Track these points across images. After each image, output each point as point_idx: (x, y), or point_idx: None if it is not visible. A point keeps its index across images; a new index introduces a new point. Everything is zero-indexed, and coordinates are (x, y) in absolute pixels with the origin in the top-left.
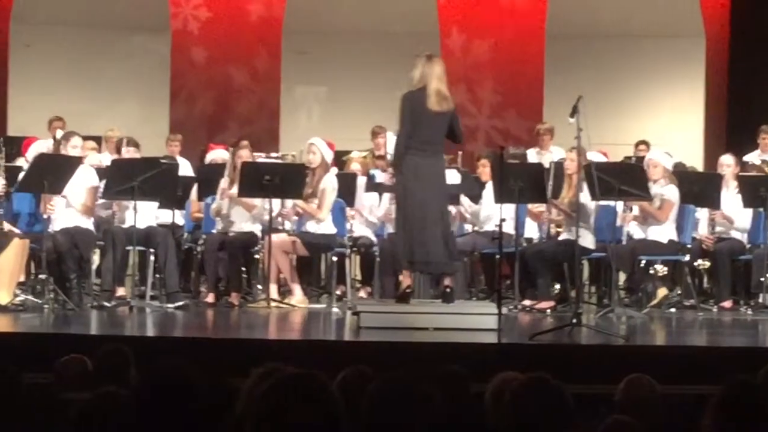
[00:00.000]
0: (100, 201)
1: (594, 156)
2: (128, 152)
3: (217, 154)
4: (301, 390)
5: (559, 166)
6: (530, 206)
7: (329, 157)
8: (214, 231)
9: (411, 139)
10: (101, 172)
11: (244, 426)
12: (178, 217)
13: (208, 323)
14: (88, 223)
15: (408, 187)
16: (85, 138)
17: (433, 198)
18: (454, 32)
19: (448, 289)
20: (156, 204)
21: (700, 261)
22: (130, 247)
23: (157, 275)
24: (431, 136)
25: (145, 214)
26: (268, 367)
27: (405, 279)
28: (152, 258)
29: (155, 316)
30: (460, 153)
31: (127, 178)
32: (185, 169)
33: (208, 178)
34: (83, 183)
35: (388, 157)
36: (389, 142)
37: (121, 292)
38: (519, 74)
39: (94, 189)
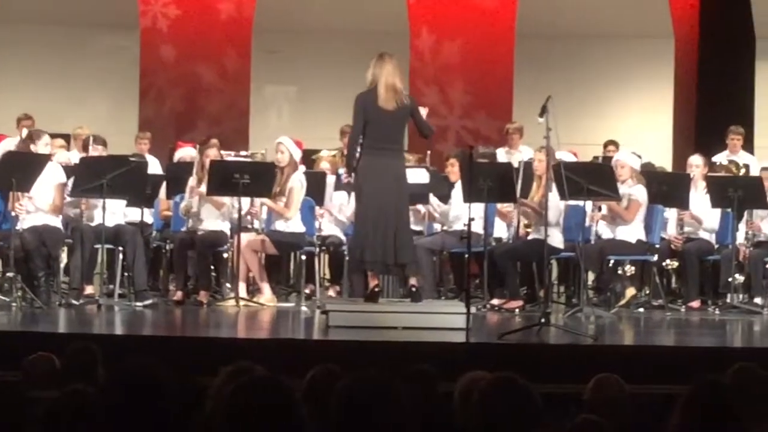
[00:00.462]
0: (69, 199)
1: (563, 156)
2: (95, 150)
3: (185, 152)
4: (266, 395)
5: (528, 165)
6: (499, 206)
7: (297, 155)
8: (182, 229)
9: (365, 139)
10: (69, 169)
11: (212, 426)
12: (147, 216)
13: (176, 322)
14: (57, 221)
15: (362, 188)
16: (54, 136)
17: (387, 198)
18: (424, 33)
19: (413, 289)
20: (124, 202)
21: (668, 261)
22: (98, 245)
23: (126, 273)
24: (386, 135)
25: (113, 212)
26: (236, 366)
27: (372, 278)
28: (121, 256)
29: (123, 314)
30: (428, 152)
31: (96, 176)
32: (154, 167)
33: (177, 177)
34: (51, 181)
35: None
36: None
37: (89, 290)
38: (489, 74)
39: (62, 187)
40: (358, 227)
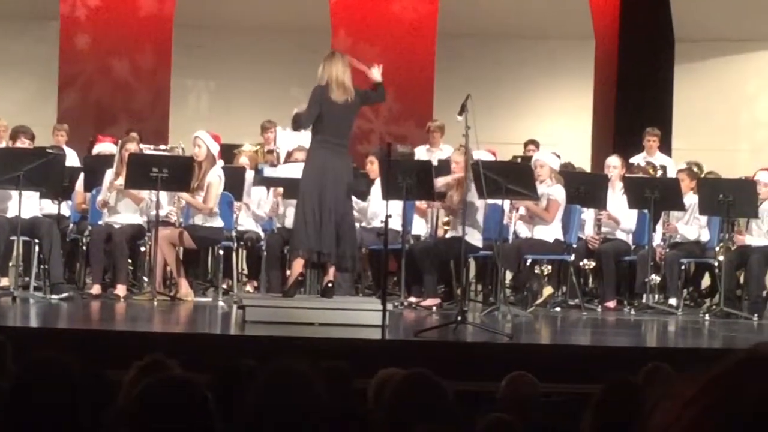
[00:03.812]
0: None
1: (482, 155)
2: (23, 143)
3: (104, 147)
4: (176, 394)
5: (446, 163)
6: (418, 203)
7: (215, 150)
8: (100, 223)
9: (319, 135)
10: None
11: (121, 422)
12: (64, 208)
13: (92, 315)
14: None
15: (305, 181)
16: None
17: (328, 194)
18: (342, 34)
19: (330, 284)
20: (37, 194)
21: (585, 261)
22: (13, 237)
23: (42, 266)
24: (335, 130)
25: (28, 204)
26: (149, 360)
27: (297, 266)
28: (37, 248)
29: (39, 307)
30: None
31: (12, 168)
32: (72, 159)
33: (95, 169)
34: None
35: (278, 151)
36: (279, 136)
37: (4, 282)
38: (409, 74)
39: None
40: (300, 217)
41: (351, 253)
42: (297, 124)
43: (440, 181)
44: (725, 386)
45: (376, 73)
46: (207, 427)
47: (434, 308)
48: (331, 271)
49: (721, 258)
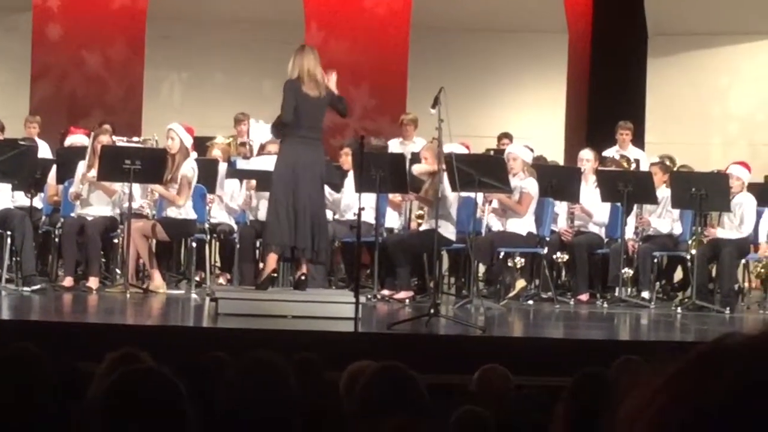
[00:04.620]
0: None
1: (455, 148)
2: None
3: (77, 139)
4: (149, 387)
5: (419, 156)
6: (391, 196)
7: (188, 142)
8: (72, 215)
9: (292, 128)
10: None
11: (91, 414)
12: (36, 200)
13: (64, 307)
14: None
15: (278, 174)
16: None
17: (301, 187)
18: (314, 28)
19: (303, 277)
20: (9, 186)
21: (558, 254)
22: None
23: (14, 258)
24: (308, 122)
25: (0, 196)
26: (122, 352)
27: (271, 261)
28: (9, 241)
29: (11, 299)
30: None
31: None
32: (44, 151)
33: (68, 161)
34: None
35: (251, 143)
36: (252, 129)
37: None
38: (383, 67)
39: None
40: (273, 211)
41: (324, 246)
42: (280, 127)
43: (416, 169)
44: (691, 377)
45: (332, 83)
46: (179, 419)
47: (407, 301)
48: (305, 264)
49: (693, 251)
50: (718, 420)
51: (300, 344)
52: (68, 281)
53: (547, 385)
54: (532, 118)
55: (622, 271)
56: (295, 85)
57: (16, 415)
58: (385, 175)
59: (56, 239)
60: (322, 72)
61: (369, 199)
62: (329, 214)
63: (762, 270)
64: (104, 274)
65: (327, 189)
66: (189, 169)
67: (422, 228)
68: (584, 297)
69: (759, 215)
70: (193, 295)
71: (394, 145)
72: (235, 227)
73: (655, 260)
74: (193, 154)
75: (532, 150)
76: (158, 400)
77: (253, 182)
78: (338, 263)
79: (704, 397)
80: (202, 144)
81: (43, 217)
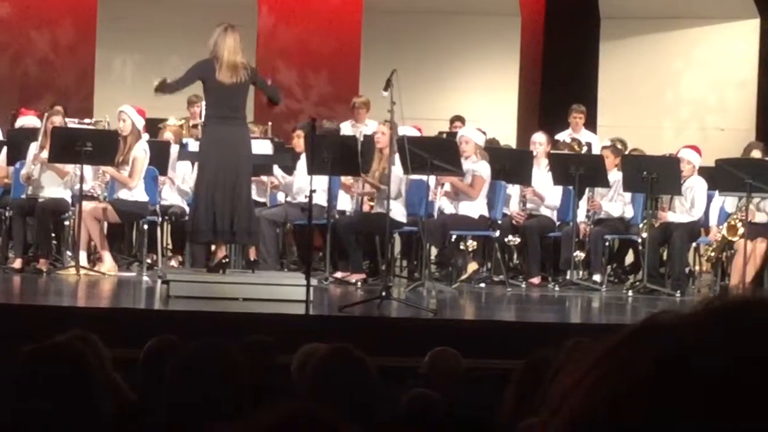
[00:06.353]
0: None
1: (407, 130)
2: None
3: (28, 120)
4: (57, 363)
5: (371, 139)
6: (343, 178)
7: (140, 124)
8: (23, 196)
9: (207, 109)
10: None
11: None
12: None
13: (14, 289)
14: None
15: (202, 157)
16: None
17: (226, 167)
18: (264, 11)
19: (225, 260)
20: None
21: (510, 237)
22: None
23: None
24: (226, 104)
25: None
26: (71, 334)
27: (219, 249)
28: None
29: None
30: (270, 124)
31: None
32: None
33: (18, 143)
34: None
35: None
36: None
37: None
38: (336, 50)
39: None
40: (195, 196)
41: (247, 227)
42: (162, 87)
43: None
44: (618, 356)
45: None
46: (86, 394)
47: (359, 283)
48: (224, 247)
49: (644, 235)
50: (647, 392)
51: (251, 326)
52: (18, 263)
53: (498, 368)
54: (484, 101)
55: (574, 254)
56: (206, 68)
57: None
58: (337, 157)
59: (6, 221)
60: (242, 56)
61: (321, 181)
62: (281, 197)
63: (712, 253)
64: (55, 256)
65: (279, 172)
66: (141, 151)
67: (373, 211)
68: (536, 280)
69: (710, 199)
70: (145, 278)
71: (346, 128)
72: (187, 209)
73: (607, 243)
74: (145, 136)
75: (484, 133)
76: (67, 377)
77: None
78: (290, 246)
79: (627, 376)
80: (154, 126)
81: None
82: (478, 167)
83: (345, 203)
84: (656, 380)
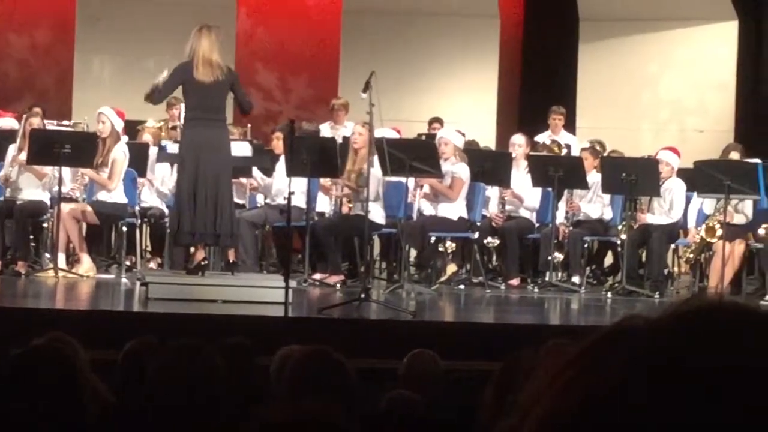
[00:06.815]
0: None
1: (386, 132)
2: None
3: (5, 122)
4: (44, 366)
5: (347, 140)
6: (322, 180)
7: (119, 126)
8: (1, 198)
9: (187, 111)
10: None
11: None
12: None
13: None
14: None
15: (182, 159)
16: None
17: (206, 169)
18: (245, 13)
19: (204, 262)
20: None
21: (489, 239)
22: None
23: None
24: (205, 105)
25: None
26: (49, 336)
27: (198, 251)
28: None
29: None
30: (249, 126)
31: None
32: None
33: None
34: None
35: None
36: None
37: None
38: (315, 52)
39: None
40: (177, 199)
41: (230, 229)
42: (152, 97)
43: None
44: (591, 358)
45: None
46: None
47: (338, 285)
48: (202, 250)
49: (623, 236)
50: (619, 393)
51: (230, 328)
52: None
53: (477, 370)
54: (463, 102)
55: (553, 255)
56: (186, 69)
57: None
58: (316, 159)
59: None
60: (218, 55)
61: (300, 183)
62: (260, 198)
63: (691, 255)
64: (33, 259)
65: (258, 174)
66: (120, 153)
67: (352, 212)
68: (515, 282)
69: (688, 200)
70: (124, 280)
71: (325, 130)
72: (166, 211)
73: (586, 245)
74: (124, 138)
75: (463, 135)
76: (52, 380)
77: None
78: (269, 247)
79: (597, 379)
80: (133, 128)
81: None
82: (457, 169)
83: (324, 205)
84: (629, 382)
